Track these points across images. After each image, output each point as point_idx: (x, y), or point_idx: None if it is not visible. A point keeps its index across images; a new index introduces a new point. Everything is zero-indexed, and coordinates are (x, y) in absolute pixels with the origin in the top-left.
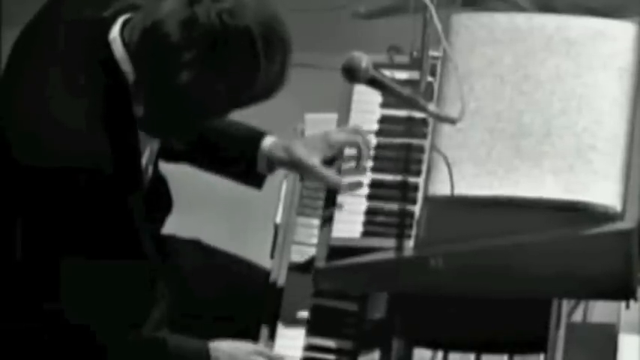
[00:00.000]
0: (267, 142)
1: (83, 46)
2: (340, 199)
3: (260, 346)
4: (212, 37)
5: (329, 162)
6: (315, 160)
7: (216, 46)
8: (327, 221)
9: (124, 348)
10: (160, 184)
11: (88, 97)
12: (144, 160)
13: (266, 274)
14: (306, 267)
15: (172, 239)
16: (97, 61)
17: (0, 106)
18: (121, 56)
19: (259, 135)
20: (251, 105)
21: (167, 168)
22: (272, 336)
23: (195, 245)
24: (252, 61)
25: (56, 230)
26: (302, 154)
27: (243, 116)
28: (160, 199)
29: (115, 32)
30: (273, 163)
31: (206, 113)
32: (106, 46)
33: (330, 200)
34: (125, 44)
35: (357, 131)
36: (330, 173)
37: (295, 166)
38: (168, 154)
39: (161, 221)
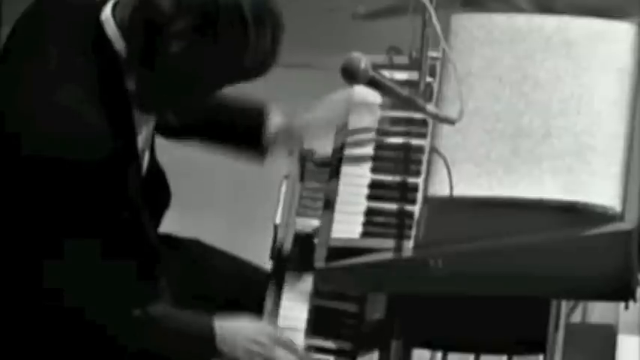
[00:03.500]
0: (272, 125)
1: (77, 29)
2: (340, 198)
3: (265, 326)
4: (202, 8)
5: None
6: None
7: (207, 17)
8: (327, 222)
9: (128, 325)
10: (158, 175)
11: (84, 79)
12: (139, 144)
13: (266, 274)
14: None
15: (171, 238)
16: (90, 43)
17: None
18: (114, 34)
19: (263, 115)
20: (243, 81)
21: (167, 167)
22: None
23: (194, 245)
24: (241, 35)
25: (59, 216)
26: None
27: None
28: (159, 191)
29: (106, 12)
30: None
31: (197, 87)
32: (99, 26)
33: (330, 201)
34: (117, 23)
35: (347, 99)
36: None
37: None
38: (170, 129)
39: (160, 214)
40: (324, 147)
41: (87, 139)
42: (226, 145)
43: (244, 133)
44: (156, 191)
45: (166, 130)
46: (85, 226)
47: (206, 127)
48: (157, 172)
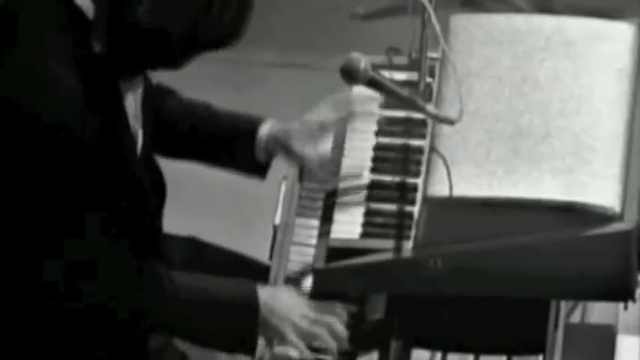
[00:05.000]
0: (264, 132)
1: (50, 4)
2: (339, 200)
3: (311, 303)
4: None
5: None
6: (310, 151)
7: None
8: (326, 222)
9: (148, 300)
10: (150, 162)
11: (62, 54)
12: (129, 117)
13: (264, 269)
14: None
15: (167, 237)
16: (62, 16)
17: None
18: (82, 1)
19: (255, 124)
20: (208, 49)
21: (166, 167)
22: None
23: (191, 242)
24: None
25: (52, 187)
26: (297, 148)
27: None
28: (153, 179)
29: None
30: (271, 154)
31: (161, 50)
32: None
33: (329, 202)
34: None
35: (348, 102)
36: (325, 160)
37: (292, 159)
38: (166, 148)
39: (159, 204)
40: (324, 146)
41: (71, 106)
42: (219, 161)
43: (236, 148)
44: (152, 183)
45: (159, 147)
46: (84, 197)
47: (198, 144)
48: (152, 164)
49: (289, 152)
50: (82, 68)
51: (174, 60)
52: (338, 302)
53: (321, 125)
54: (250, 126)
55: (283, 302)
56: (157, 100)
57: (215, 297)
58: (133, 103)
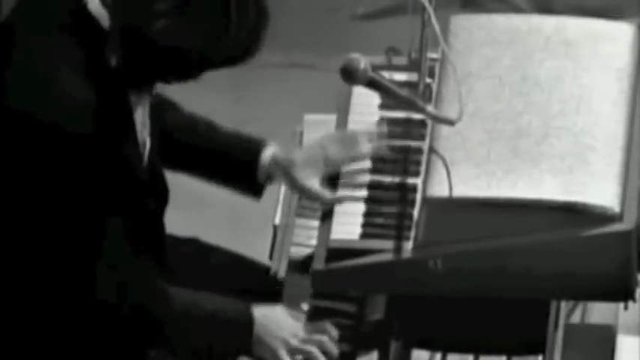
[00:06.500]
0: (267, 155)
1: (60, 7)
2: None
3: (304, 322)
4: None
5: (330, 178)
6: (313, 183)
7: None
8: (326, 223)
9: (150, 308)
10: (155, 168)
11: (71, 56)
12: (137, 126)
13: (265, 270)
14: (304, 265)
15: (169, 237)
16: (73, 20)
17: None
18: (97, 11)
19: (258, 146)
20: (223, 66)
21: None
22: None
23: (192, 243)
24: (222, 16)
25: (55, 191)
26: (300, 178)
27: (242, 115)
28: (157, 185)
29: None
30: (271, 177)
31: (177, 66)
32: (80, 3)
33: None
34: (102, 1)
35: (355, 141)
36: (326, 195)
37: (293, 188)
38: (166, 161)
39: (161, 210)
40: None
41: (77, 109)
42: (219, 178)
43: (237, 167)
44: (154, 186)
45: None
46: (87, 202)
47: (199, 159)
48: (154, 166)
49: (291, 181)
50: (93, 77)
51: (189, 75)
52: (329, 321)
53: (326, 161)
54: (253, 148)
55: (276, 321)
56: (158, 111)
57: (211, 313)
58: (141, 111)
